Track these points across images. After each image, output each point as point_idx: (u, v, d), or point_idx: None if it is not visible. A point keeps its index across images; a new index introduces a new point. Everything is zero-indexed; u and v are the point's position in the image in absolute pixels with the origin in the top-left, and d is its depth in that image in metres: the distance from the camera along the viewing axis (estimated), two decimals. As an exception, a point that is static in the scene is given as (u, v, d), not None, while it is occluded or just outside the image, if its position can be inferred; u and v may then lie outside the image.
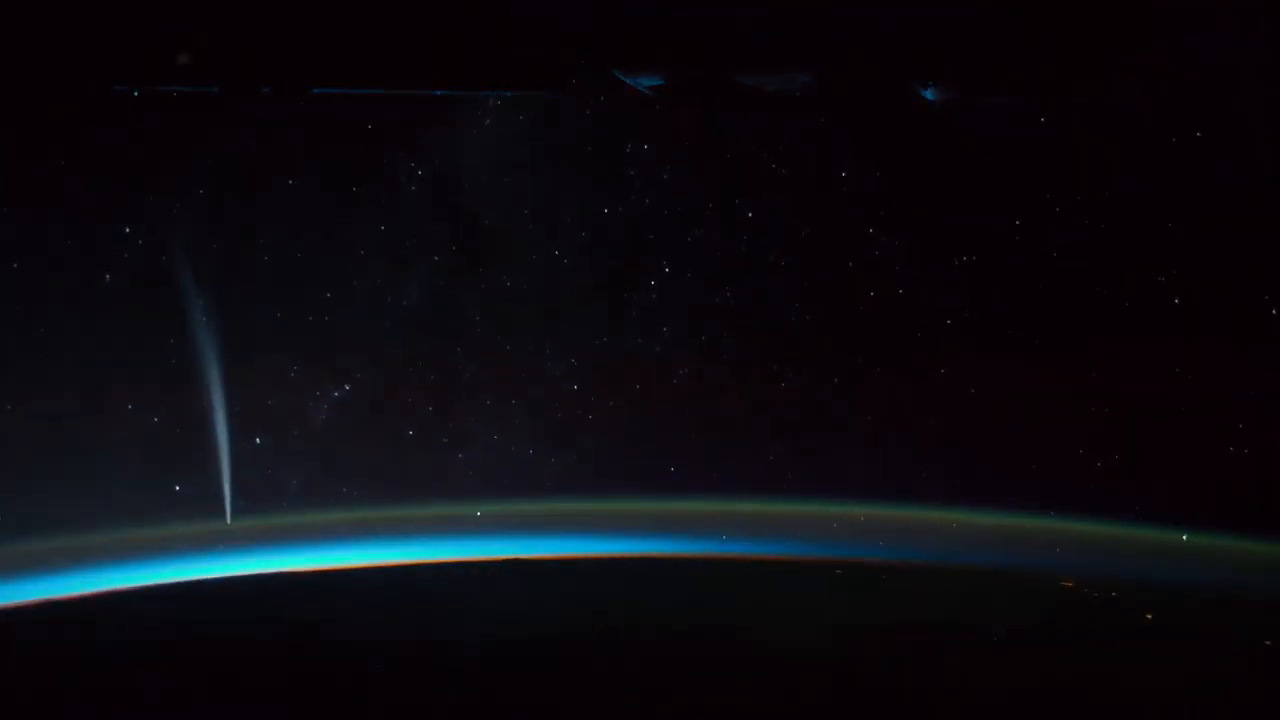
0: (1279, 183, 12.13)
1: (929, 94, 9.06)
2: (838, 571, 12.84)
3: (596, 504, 14.01)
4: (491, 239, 13.93)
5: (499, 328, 14.18)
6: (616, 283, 14.16)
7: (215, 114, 12.80)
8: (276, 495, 13.70)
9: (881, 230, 13.75)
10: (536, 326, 14.19)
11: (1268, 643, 10.19)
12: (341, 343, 13.99)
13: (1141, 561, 12.59)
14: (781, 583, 12.66)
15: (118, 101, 12.49)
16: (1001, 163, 12.76)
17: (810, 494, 13.83)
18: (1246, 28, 8.01)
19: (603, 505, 14.00)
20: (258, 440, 13.71)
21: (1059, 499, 13.21)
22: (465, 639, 9.67)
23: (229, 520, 13.19)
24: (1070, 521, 13.22)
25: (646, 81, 9.02)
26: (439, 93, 9.50)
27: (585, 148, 13.85)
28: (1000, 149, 12.50)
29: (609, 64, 9.02)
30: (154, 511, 12.89)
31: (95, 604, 11.18)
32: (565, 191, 14.00)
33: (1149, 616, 11.27)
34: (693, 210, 13.96)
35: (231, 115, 12.87)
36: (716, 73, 9.31)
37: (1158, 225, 12.98)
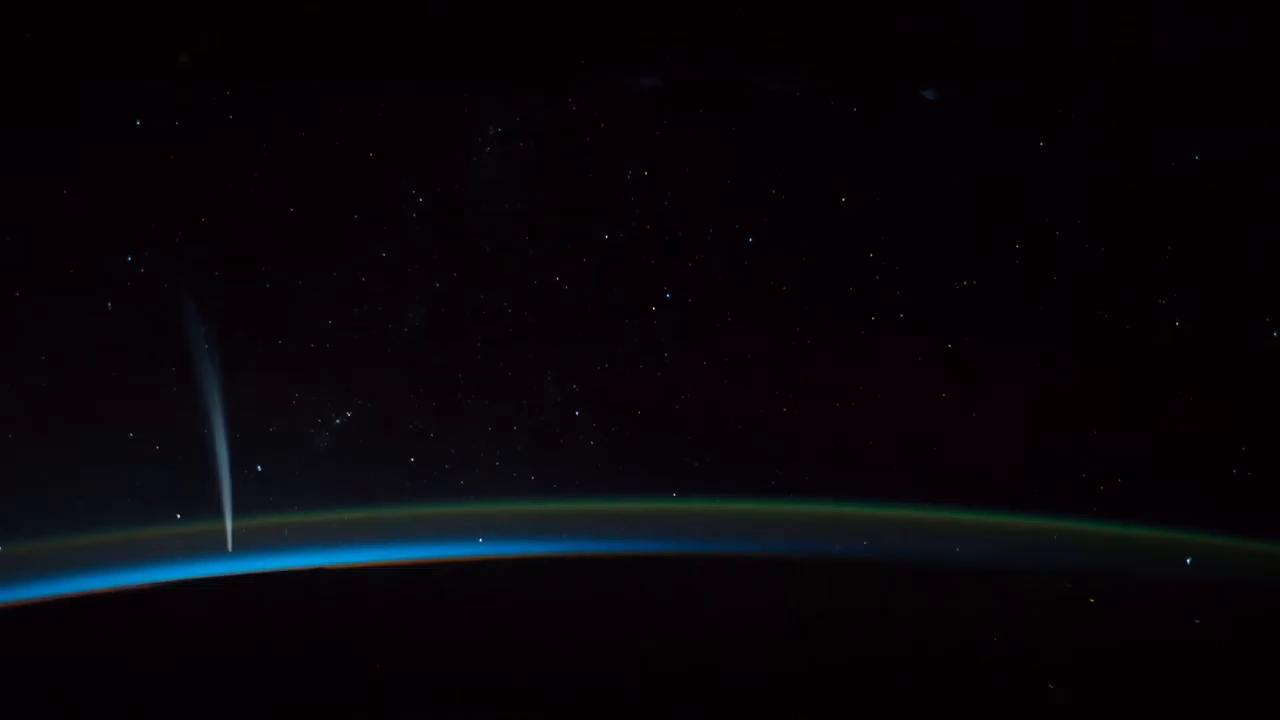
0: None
1: (929, 94, 9.11)
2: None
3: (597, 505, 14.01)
4: (492, 264, 13.95)
5: (499, 353, 14.15)
6: (617, 308, 14.14)
7: (217, 140, 12.92)
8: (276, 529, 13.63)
9: (882, 254, 13.75)
10: (537, 352, 14.16)
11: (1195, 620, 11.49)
12: (342, 369, 13.94)
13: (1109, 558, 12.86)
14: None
15: (118, 128, 12.64)
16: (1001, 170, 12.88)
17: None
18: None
19: (604, 506, 14.00)
20: (259, 468, 13.64)
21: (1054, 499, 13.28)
22: (469, 637, 9.60)
23: (230, 548, 13.11)
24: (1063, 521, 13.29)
25: (646, 82, 9.07)
26: (438, 90, 9.63)
27: (585, 174, 13.88)
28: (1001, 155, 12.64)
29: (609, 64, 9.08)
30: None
31: (94, 604, 11.11)
32: (565, 217, 14.00)
33: (1092, 600, 12.13)
34: (693, 235, 13.97)
35: (233, 142, 12.99)
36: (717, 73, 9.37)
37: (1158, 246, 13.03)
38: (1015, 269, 13.27)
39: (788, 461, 14.09)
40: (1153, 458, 12.88)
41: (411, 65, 9.42)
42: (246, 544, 13.14)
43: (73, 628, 10.41)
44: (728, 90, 11.48)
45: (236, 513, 13.20)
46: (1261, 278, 12.39)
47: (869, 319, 13.81)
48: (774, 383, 14.11)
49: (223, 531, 13.11)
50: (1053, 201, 13.09)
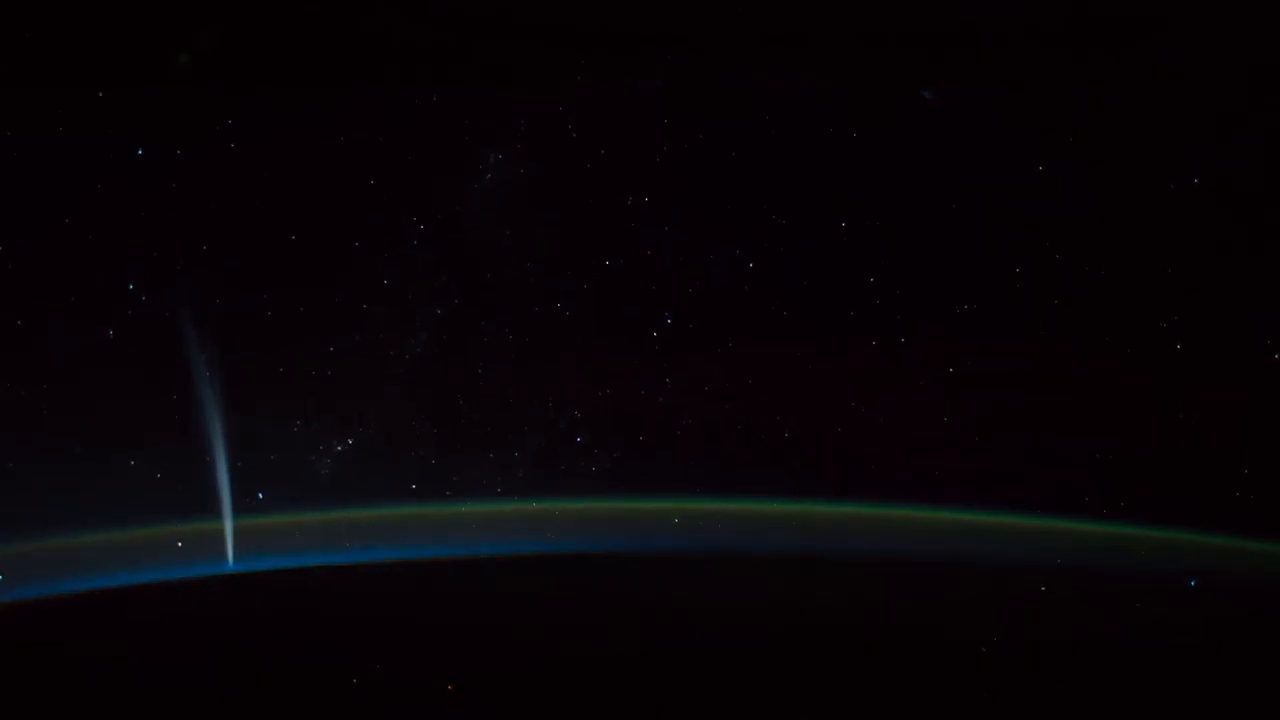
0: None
1: (929, 94, 9.16)
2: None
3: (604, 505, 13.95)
4: (493, 289, 13.97)
5: (501, 379, 14.13)
6: (619, 334, 14.14)
7: (218, 166, 12.98)
8: (279, 543, 13.54)
9: (882, 279, 13.77)
10: (539, 377, 14.13)
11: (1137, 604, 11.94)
12: (344, 396, 13.91)
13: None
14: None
15: (119, 153, 12.70)
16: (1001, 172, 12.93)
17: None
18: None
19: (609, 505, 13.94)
20: (260, 495, 13.56)
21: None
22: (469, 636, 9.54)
23: (231, 564, 13.02)
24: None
25: (647, 84, 9.12)
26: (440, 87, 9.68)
27: (586, 200, 13.93)
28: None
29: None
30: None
31: (94, 604, 11.01)
32: (566, 244, 14.03)
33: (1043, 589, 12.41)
34: (694, 261, 14.00)
35: (234, 168, 13.04)
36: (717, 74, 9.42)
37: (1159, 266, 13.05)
38: (1015, 272, 13.31)
39: (789, 481, 14.05)
40: (1153, 459, 12.88)
41: (411, 66, 9.47)
42: (246, 545, 13.08)
43: (73, 628, 10.31)
44: (728, 91, 11.57)
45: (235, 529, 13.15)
46: (1263, 280, 12.40)
47: (870, 343, 13.81)
48: (775, 405, 14.10)
49: (223, 549, 13.05)
50: (1052, 203, 13.13)
